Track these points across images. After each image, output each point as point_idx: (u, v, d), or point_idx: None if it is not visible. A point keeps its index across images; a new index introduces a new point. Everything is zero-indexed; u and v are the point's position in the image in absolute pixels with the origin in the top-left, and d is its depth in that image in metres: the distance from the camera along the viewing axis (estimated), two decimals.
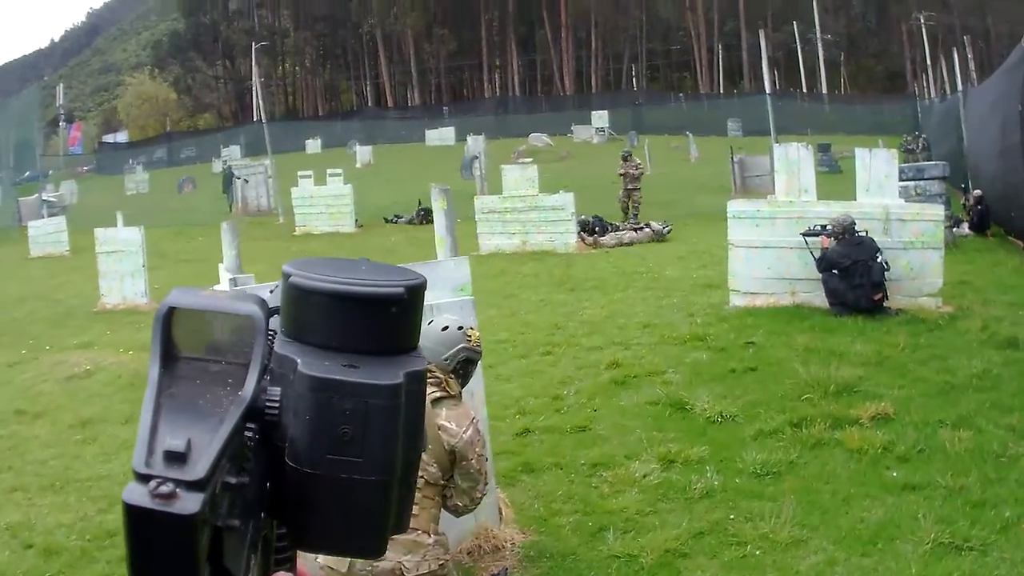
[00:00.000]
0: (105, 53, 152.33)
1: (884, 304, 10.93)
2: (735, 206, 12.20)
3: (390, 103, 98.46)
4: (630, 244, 20.28)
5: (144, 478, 0.60)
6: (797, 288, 11.94)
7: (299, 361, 0.73)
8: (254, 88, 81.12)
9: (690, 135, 52.13)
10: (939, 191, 17.54)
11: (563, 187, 37.65)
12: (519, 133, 62.38)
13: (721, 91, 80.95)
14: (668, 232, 20.86)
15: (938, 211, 11.88)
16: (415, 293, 0.77)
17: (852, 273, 10.94)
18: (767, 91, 25.89)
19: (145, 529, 0.59)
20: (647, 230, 20.93)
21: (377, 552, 0.79)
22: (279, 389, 0.73)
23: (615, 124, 62.50)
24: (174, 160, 79.41)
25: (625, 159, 26.52)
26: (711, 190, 33.83)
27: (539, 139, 57.11)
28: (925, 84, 64.51)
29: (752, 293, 12.03)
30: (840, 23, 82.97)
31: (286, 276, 0.77)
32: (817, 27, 75.16)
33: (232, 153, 69.00)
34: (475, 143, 50.80)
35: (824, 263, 11.15)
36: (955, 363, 8.64)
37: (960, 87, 23.77)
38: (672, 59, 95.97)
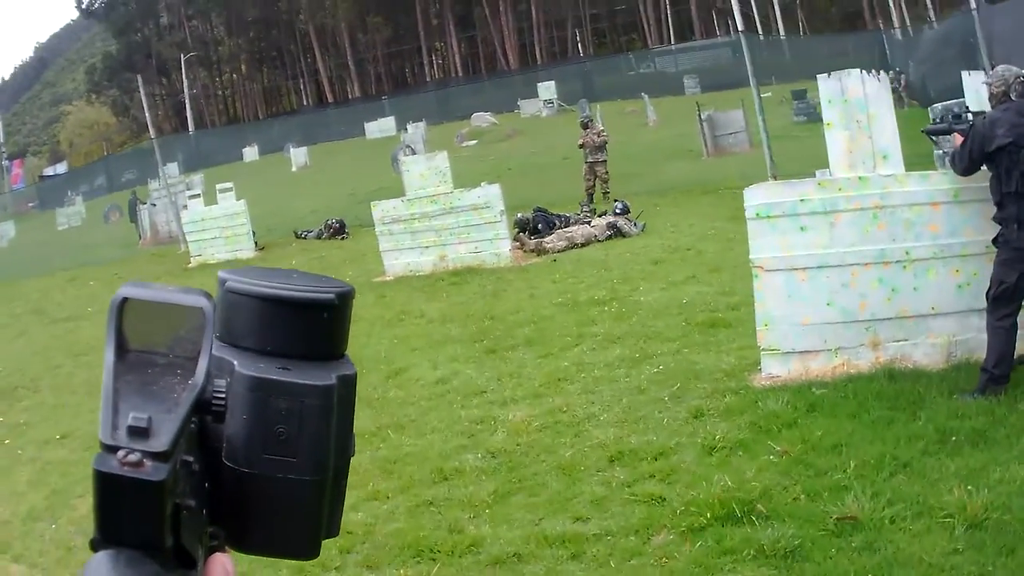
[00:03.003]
0: (55, 85, 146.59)
1: None
2: (760, 195, 6.40)
3: (330, 99, 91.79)
4: (585, 244, 14.62)
5: (112, 449, 0.61)
6: (882, 334, 6.33)
7: (236, 362, 0.73)
8: (186, 100, 75.16)
9: (646, 97, 46.39)
10: None
11: (509, 168, 32.53)
12: (463, 115, 56.22)
13: (673, 48, 74.76)
14: (642, 230, 15.16)
15: None
16: (345, 300, 0.77)
17: (1008, 170, 5.53)
18: (739, 28, 20.03)
19: (115, 494, 0.61)
20: (601, 223, 15.22)
21: (311, 554, 0.77)
22: (224, 381, 0.72)
23: (564, 95, 56.37)
24: (114, 185, 72.69)
25: (585, 126, 20.99)
26: (679, 155, 28.33)
27: (482, 118, 50.93)
28: (892, 18, 59.07)
29: (801, 353, 6.42)
30: None
31: (222, 282, 0.77)
32: None
33: (171, 171, 63.31)
34: (414, 131, 45.11)
35: (964, 154, 5.73)
36: None
37: (973, 4, 18.18)
38: (618, 20, 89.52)
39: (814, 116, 36.15)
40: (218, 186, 23.21)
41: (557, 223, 16.39)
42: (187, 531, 0.65)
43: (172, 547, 0.63)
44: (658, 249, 13.06)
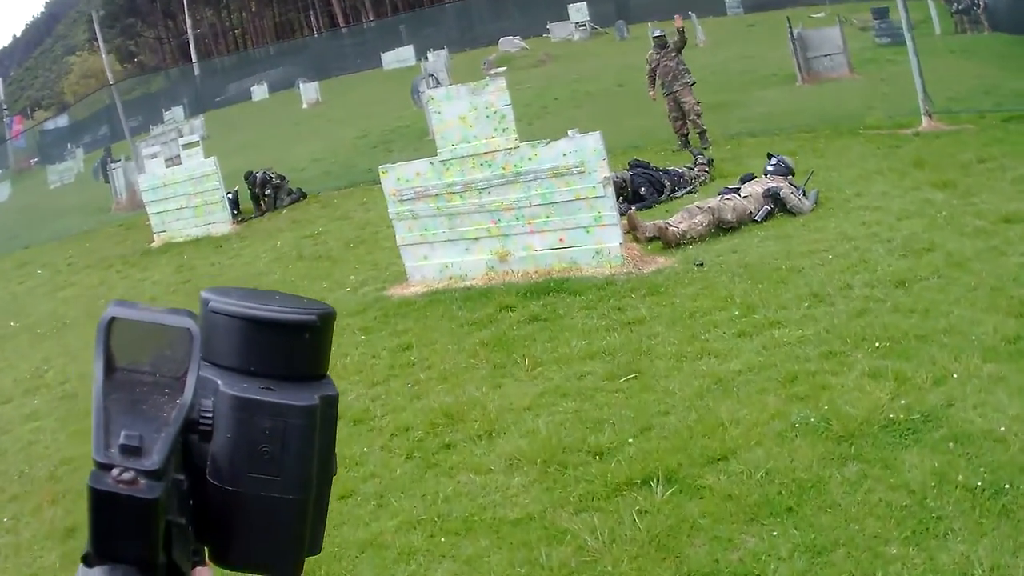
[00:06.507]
0: (66, 38, 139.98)
1: None
2: None
3: (344, 30, 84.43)
4: (733, 226, 8.58)
5: (105, 467, 0.61)
6: None
7: (220, 382, 0.73)
8: (189, 39, 68.66)
9: (694, 16, 39.84)
10: None
11: (555, 99, 26.14)
12: (488, 41, 49.48)
13: None
14: (815, 201, 8.99)
15: None
16: (326, 321, 0.77)
17: None
18: None
19: (110, 512, 0.61)
20: (756, 190, 9.05)
21: (294, 571, 0.76)
22: (211, 401, 0.72)
23: (597, 16, 49.57)
24: (118, 135, 66.64)
25: (663, 45, 14.72)
26: (764, 81, 22.04)
27: (511, 43, 44.23)
28: None
29: None
30: None
31: (205, 303, 0.76)
32: None
33: (176, 115, 57.11)
34: (436, 59, 38.70)
35: None
36: None
37: None
38: None
39: (899, 38, 29.64)
40: (181, 140, 17.00)
41: (667, 184, 10.38)
42: (178, 548, 0.63)
43: (165, 564, 0.61)
44: (875, 246, 7.03)
